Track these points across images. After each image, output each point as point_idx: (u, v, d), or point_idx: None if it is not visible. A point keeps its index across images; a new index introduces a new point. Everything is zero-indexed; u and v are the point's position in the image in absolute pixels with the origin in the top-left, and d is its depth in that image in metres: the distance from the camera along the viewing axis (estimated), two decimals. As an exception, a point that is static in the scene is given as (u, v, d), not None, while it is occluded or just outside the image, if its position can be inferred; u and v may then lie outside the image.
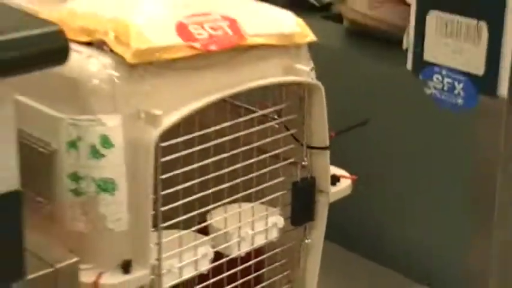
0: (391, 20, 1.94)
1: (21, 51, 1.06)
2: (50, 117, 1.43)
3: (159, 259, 1.49)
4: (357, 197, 1.71)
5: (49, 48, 1.07)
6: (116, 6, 1.52)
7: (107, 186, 1.41)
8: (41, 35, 1.07)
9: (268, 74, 1.56)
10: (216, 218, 1.61)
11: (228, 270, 1.64)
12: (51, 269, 1.33)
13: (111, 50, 1.42)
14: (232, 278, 1.64)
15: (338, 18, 2.11)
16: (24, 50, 1.06)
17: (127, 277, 1.43)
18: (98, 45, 1.44)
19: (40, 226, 1.42)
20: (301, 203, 1.66)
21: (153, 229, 1.50)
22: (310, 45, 1.91)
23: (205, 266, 1.57)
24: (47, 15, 1.53)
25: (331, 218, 1.72)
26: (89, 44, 1.45)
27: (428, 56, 1.81)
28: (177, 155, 1.46)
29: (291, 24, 1.61)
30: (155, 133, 1.38)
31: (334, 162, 1.71)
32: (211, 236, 1.61)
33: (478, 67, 1.73)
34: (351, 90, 1.99)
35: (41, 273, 1.31)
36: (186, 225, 1.56)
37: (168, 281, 1.52)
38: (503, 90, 1.71)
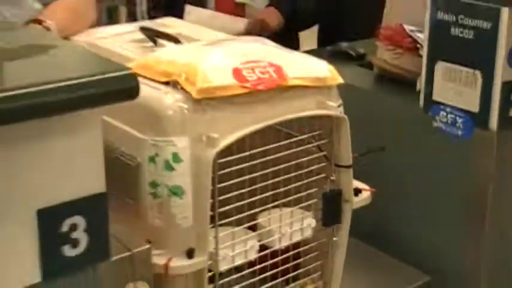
0: (408, 68, 1.97)
1: (102, 89, 1.15)
2: (137, 138, 1.52)
3: (216, 249, 1.54)
4: (375, 205, 1.76)
5: (124, 87, 1.18)
6: (190, 55, 1.59)
7: (176, 191, 1.49)
8: (118, 77, 1.17)
9: (305, 108, 1.61)
10: (262, 219, 1.65)
11: (271, 259, 1.67)
12: (129, 253, 1.41)
13: (182, 88, 1.49)
14: (274, 266, 1.68)
15: (369, 66, 2.15)
16: (104, 88, 1.16)
17: (190, 261, 1.50)
18: (173, 84, 1.51)
19: (128, 221, 1.53)
20: (330, 209, 1.70)
21: (212, 226, 1.54)
22: (342, 87, 2.00)
23: (252, 256, 1.61)
24: (137, 60, 1.65)
25: (354, 220, 1.75)
26: (167, 83, 1.53)
27: (436, 96, 1.85)
28: (230, 169, 1.52)
29: (323, 70, 1.65)
30: (213, 152, 1.45)
31: (357, 177, 1.75)
32: (258, 232, 1.65)
33: (474, 106, 1.78)
34: (375, 121, 2.02)
35: (121, 256, 1.40)
36: (238, 223, 1.60)
37: (223, 266, 1.56)
38: (493, 124, 1.76)
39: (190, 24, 2.13)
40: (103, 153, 1.25)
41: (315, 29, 3.26)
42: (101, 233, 1.27)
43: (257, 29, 2.89)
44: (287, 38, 2.85)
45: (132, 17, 2.96)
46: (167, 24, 2.01)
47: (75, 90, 1.13)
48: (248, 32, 2.81)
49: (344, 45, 2.34)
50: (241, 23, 2.94)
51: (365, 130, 1.95)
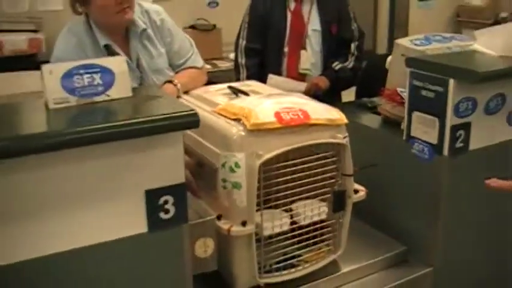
0: (399, 114, 1.97)
1: (180, 120, 1.28)
2: (214, 151, 1.61)
3: (261, 221, 1.59)
4: (371, 199, 1.79)
5: (191, 120, 1.28)
6: (251, 103, 1.65)
7: (236, 185, 1.56)
8: (188, 115, 1.28)
9: (321, 138, 1.65)
10: (293, 205, 1.68)
11: (299, 230, 1.70)
12: (201, 220, 1.47)
13: (243, 123, 1.56)
14: (301, 235, 1.70)
15: (379, 113, 2.15)
16: (181, 119, 1.28)
17: (243, 228, 1.57)
18: (238, 120, 1.59)
19: (211, 202, 1.63)
20: (338, 202, 1.72)
21: (258, 208, 1.59)
22: (359, 126, 2.04)
23: (285, 228, 1.65)
24: (221, 105, 1.71)
25: (359, 208, 1.79)
26: (235, 119, 1.60)
27: (412, 133, 1.87)
28: (271, 173, 1.57)
29: (335, 114, 1.67)
30: (259, 162, 1.53)
31: (359, 182, 1.79)
32: (291, 213, 1.67)
33: (434, 140, 1.80)
34: (378, 147, 2.04)
35: (196, 221, 1.46)
36: (277, 207, 1.66)
37: (266, 232, 1.61)
38: (445, 152, 1.79)
39: (263, 84, 2.18)
40: (184, 159, 1.36)
41: (353, 89, 3.30)
42: (182, 206, 1.38)
43: (312, 90, 2.92)
44: (333, 95, 2.94)
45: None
46: (248, 84, 2.08)
47: (168, 120, 1.29)
48: (307, 91, 2.85)
49: (365, 99, 2.35)
50: (302, 86, 2.97)
51: (372, 152, 2.00)
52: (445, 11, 5.84)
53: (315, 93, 2.76)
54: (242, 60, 3.06)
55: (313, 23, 3.03)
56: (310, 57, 3.03)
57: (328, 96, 2.73)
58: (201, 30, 4.67)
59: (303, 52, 3.02)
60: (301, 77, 3.03)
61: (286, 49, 3.03)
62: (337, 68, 3.05)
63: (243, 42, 3.07)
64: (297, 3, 3.05)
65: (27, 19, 4.03)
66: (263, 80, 2.85)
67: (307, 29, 3.03)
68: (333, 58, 3.07)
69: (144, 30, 2.11)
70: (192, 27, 4.65)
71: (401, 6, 5.69)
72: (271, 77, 2.97)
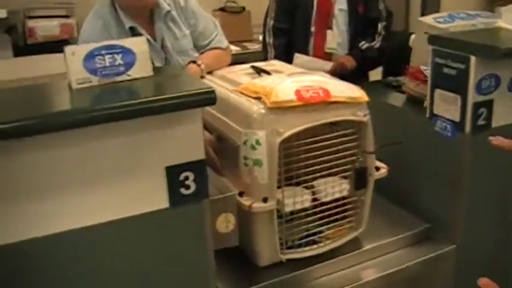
0: (422, 92, 1.97)
1: (199, 97, 1.30)
2: (236, 129, 1.64)
3: (282, 197, 1.61)
4: (390, 176, 1.79)
5: (206, 97, 1.30)
6: (272, 82, 1.66)
7: (257, 162, 1.58)
8: (207, 91, 1.31)
9: (342, 115, 1.66)
10: (315, 182, 1.70)
11: (321, 207, 1.72)
12: (222, 196, 1.50)
13: (263, 101, 1.59)
14: (322, 211, 1.72)
15: (403, 92, 2.15)
16: (200, 96, 1.30)
17: (265, 204, 1.59)
18: (259, 98, 1.61)
19: (233, 179, 1.67)
20: (359, 179, 1.73)
21: (279, 185, 1.61)
22: (385, 104, 2.04)
23: (307, 204, 1.67)
24: (243, 84, 1.74)
25: (381, 184, 1.80)
26: (256, 98, 1.62)
27: (435, 111, 1.87)
28: (292, 150, 1.58)
29: (356, 92, 1.68)
30: (279, 139, 1.55)
31: (378, 159, 1.79)
32: (312, 190, 1.69)
33: (456, 117, 1.79)
34: (403, 125, 2.05)
35: (216, 197, 1.49)
36: (298, 184, 1.67)
37: (287, 208, 1.63)
38: (468, 129, 1.79)
39: (286, 64, 2.19)
40: (205, 136, 1.39)
41: (379, 69, 3.27)
42: (203, 182, 1.40)
43: (338, 69, 2.92)
44: (359, 74, 2.91)
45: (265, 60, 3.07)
46: (271, 63, 2.11)
47: (186, 97, 1.32)
48: (332, 70, 2.85)
49: (390, 78, 2.35)
50: (328, 65, 2.96)
51: (395, 130, 2.02)
52: (478, -10, 5.75)
53: (340, 73, 2.75)
54: (270, 40, 3.08)
55: (340, 2, 3.02)
56: (336, 37, 3.03)
57: (354, 76, 2.71)
58: (230, 13, 4.69)
59: (329, 32, 3.02)
60: (328, 57, 3.04)
61: (313, 29, 3.04)
62: (363, 47, 3.04)
63: (270, 22, 3.09)
64: None
65: (58, 5, 4.09)
66: (290, 60, 2.91)
67: (334, 8, 3.03)
68: (359, 38, 3.06)
69: (168, 12, 2.14)
70: (221, 9, 4.67)
71: (433, -15, 5.62)
72: (297, 56, 2.98)
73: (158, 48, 2.12)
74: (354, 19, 3.04)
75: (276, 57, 2.91)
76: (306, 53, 3.04)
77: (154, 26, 2.13)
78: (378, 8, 3.09)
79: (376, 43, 3.07)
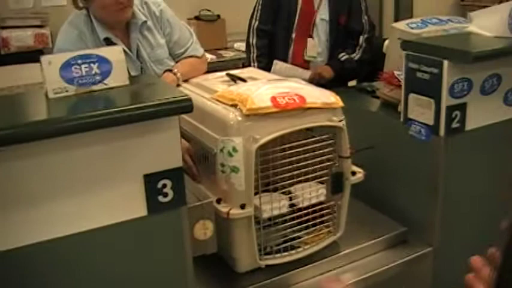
0: (396, 97, 2.00)
1: (175, 105, 1.31)
2: (213, 137, 1.64)
3: (260, 204, 1.62)
4: (367, 181, 1.81)
5: (182, 105, 1.31)
6: (247, 89, 1.67)
7: (234, 169, 1.58)
8: (183, 100, 1.32)
9: (317, 121, 1.67)
10: (292, 187, 1.70)
11: (298, 212, 1.72)
12: (199, 203, 1.51)
13: (239, 108, 1.59)
14: (300, 217, 1.73)
15: (377, 97, 2.19)
16: (176, 105, 1.31)
17: (242, 211, 1.59)
18: (235, 105, 1.62)
19: (210, 186, 1.67)
20: (336, 184, 1.75)
21: (256, 191, 1.61)
22: (359, 109, 2.06)
23: (285, 209, 1.68)
24: (218, 92, 1.74)
25: (358, 188, 1.81)
26: (232, 105, 1.63)
27: (409, 115, 1.89)
28: (268, 157, 1.60)
29: (331, 98, 1.70)
30: (256, 146, 1.56)
31: (357, 164, 1.81)
32: (289, 195, 1.70)
33: (430, 121, 1.82)
34: (377, 129, 2.07)
35: (194, 204, 1.49)
36: (275, 190, 1.67)
37: (265, 215, 1.63)
38: (441, 132, 1.81)
39: (261, 71, 2.21)
40: (182, 143, 1.39)
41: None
42: (181, 190, 1.41)
43: (316, 78, 2.96)
44: (338, 84, 2.91)
45: (248, 61, 3.13)
46: (246, 71, 2.12)
47: (162, 105, 1.33)
48: (310, 79, 2.88)
49: (364, 84, 2.38)
50: (306, 74, 3.01)
51: (371, 135, 2.05)
52: (450, -5, 5.84)
53: (318, 82, 2.78)
54: (253, 41, 3.13)
55: (322, 12, 3.08)
56: (316, 46, 3.07)
57: (332, 85, 2.74)
58: (206, 21, 4.70)
59: (309, 40, 3.07)
60: (306, 64, 3.09)
61: (293, 35, 3.09)
62: (342, 58, 3.09)
63: (255, 23, 3.14)
64: None
65: (32, 15, 4.08)
66: (272, 59, 3.00)
67: (316, 17, 3.07)
68: (340, 48, 3.11)
69: (145, 22, 2.15)
70: (197, 18, 4.69)
71: (405, -9, 5.70)
72: (277, 63, 3.03)
73: (134, 58, 2.13)
74: (335, 30, 3.09)
75: (259, 58, 3.03)
76: (286, 59, 3.09)
77: (130, 36, 2.14)
78: (360, 20, 3.14)
79: (356, 55, 3.11)
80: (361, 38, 3.13)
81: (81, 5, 2.08)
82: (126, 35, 2.13)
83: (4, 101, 1.45)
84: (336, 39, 3.10)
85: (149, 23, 2.17)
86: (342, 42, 3.12)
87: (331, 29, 3.08)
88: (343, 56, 3.09)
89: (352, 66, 3.09)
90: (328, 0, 3.07)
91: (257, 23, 3.13)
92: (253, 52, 3.11)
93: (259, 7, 3.14)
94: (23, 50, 3.94)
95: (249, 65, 3.08)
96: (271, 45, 3.13)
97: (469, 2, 5.66)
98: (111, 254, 1.37)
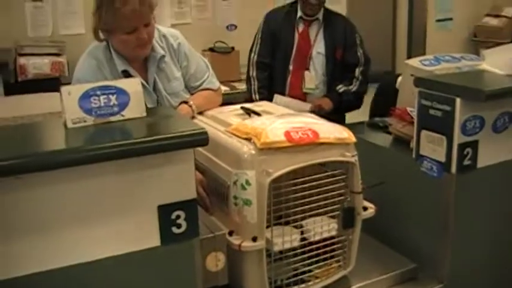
0: (409, 133, 2.01)
1: (191, 138, 1.34)
2: (226, 169, 1.66)
3: (271, 237, 1.62)
4: (381, 215, 1.81)
5: (198, 139, 1.34)
6: (262, 123, 1.69)
7: (247, 202, 1.60)
8: (199, 133, 1.35)
9: (331, 155, 1.68)
10: (304, 221, 1.71)
11: (310, 246, 1.73)
12: (212, 235, 1.53)
13: (254, 142, 1.61)
14: (311, 251, 1.73)
15: (390, 133, 2.19)
16: (192, 137, 1.34)
17: (254, 244, 1.60)
18: (249, 139, 1.63)
19: (223, 219, 1.68)
20: (347, 218, 1.75)
21: (268, 224, 1.62)
22: (372, 145, 2.08)
23: (296, 243, 1.68)
24: (233, 125, 1.75)
25: (369, 224, 1.81)
26: (247, 139, 1.64)
27: (421, 151, 1.90)
28: (281, 190, 1.60)
29: (344, 133, 1.71)
30: (269, 180, 1.57)
31: (366, 199, 1.81)
32: (301, 229, 1.70)
33: (442, 158, 1.82)
34: (387, 166, 2.07)
35: (207, 236, 1.52)
36: (287, 223, 1.66)
37: (276, 248, 1.63)
38: (453, 169, 1.81)
39: (273, 105, 2.25)
40: (197, 176, 1.43)
41: (367, 109, 3.38)
42: (194, 221, 1.43)
43: (316, 110, 3.02)
44: (336, 116, 2.98)
45: (249, 93, 3.22)
46: (260, 104, 2.14)
47: (178, 138, 1.35)
48: (311, 111, 2.90)
49: (377, 119, 2.39)
50: (306, 106, 3.11)
51: (383, 170, 2.05)
52: (462, 32, 5.87)
53: (318, 114, 2.81)
54: (253, 73, 3.25)
55: (319, 46, 3.21)
56: (313, 78, 3.20)
57: (332, 117, 2.78)
58: (220, 53, 4.74)
59: (306, 73, 3.20)
60: (304, 96, 3.22)
61: (291, 67, 3.21)
62: (340, 90, 3.22)
63: (254, 57, 3.28)
64: (305, 25, 3.25)
65: (50, 43, 4.14)
66: (272, 91, 3.11)
67: (312, 51, 3.21)
68: (337, 81, 3.23)
69: (163, 56, 2.17)
70: (211, 49, 4.73)
71: (419, 27, 5.74)
72: (277, 97, 3.15)
73: (150, 91, 2.15)
74: (332, 63, 3.22)
75: (260, 89, 3.14)
76: (283, 91, 3.21)
77: (148, 69, 2.16)
78: (356, 54, 3.27)
79: (353, 87, 3.24)
80: (357, 71, 3.26)
81: (102, 37, 2.11)
82: (143, 68, 2.16)
83: (24, 129, 1.48)
84: (332, 72, 3.23)
85: (167, 56, 2.20)
86: (339, 75, 3.24)
87: (328, 62, 3.21)
88: (340, 88, 3.22)
89: (350, 98, 3.23)
90: (324, 35, 3.20)
91: (256, 56, 3.27)
92: (254, 84, 3.23)
93: (259, 41, 3.26)
94: (40, 78, 3.98)
95: (251, 97, 3.18)
96: (271, 76, 3.24)
97: (482, 38, 5.69)
98: (123, 283, 1.38)
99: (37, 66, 4.04)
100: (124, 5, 1.95)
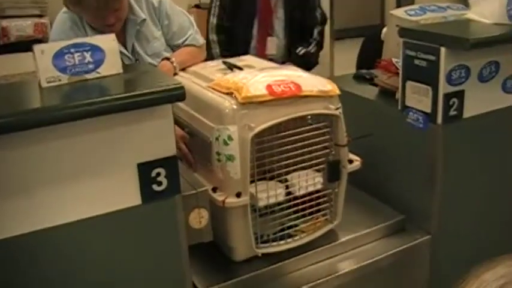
0: (394, 84, 1.99)
1: (169, 93, 1.32)
2: (209, 125, 1.64)
3: (256, 192, 1.61)
4: (365, 169, 1.80)
5: (175, 94, 1.31)
6: (243, 77, 1.66)
7: (230, 158, 1.58)
8: (172, 88, 1.33)
9: (313, 109, 1.67)
10: (289, 176, 1.70)
11: (295, 200, 1.72)
12: (194, 191, 1.51)
13: (235, 97, 1.59)
14: (297, 205, 1.72)
15: (376, 84, 2.17)
16: (169, 93, 1.32)
17: (238, 199, 1.60)
18: (230, 94, 1.61)
19: (206, 175, 1.68)
20: (333, 172, 1.74)
21: (252, 179, 1.61)
22: (357, 97, 2.07)
23: (281, 198, 1.68)
24: (215, 80, 1.74)
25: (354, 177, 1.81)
26: (228, 93, 1.62)
27: (407, 102, 1.89)
28: (264, 145, 1.59)
29: (328, 86, 1.69)
30: (251, 134, 1.55)
31: (352, 152, 1.80)
32: (285, 184, 1.69)
33: (428, 108, 1.81)
34: (375, 117, 2.06)
35: (189, 192, 1.50)
36: (272, 178, 1.66)
37: (261, 203, 1.63)
38: (439, 120, 1.80)
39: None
40: (174, 131, 1.40)
41: (353, 62, 3.35)
42: (175, 178, 1.42)
43: None
44: None
45: (210, 57, 3.12)
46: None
47: (155, 94, 1.33)
48: None
49: (362, 71, 2.36)
50: None
51: (368, 122, 2.05)
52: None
53: None
54: (213, 37, 3.17)
55: (278, 11, 3.15)
56: (275, 43, 3.17)
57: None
58: (206, 9, 4.67)
59: (269, 38, 3.17)
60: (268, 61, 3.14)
61: (254, 32, 3.16)
62: (301, 53, 3.19)
63: (214, 20, 3.19)
64: None
65: (32, 4, 4.08)
66: (234, 56, 2.96)
67: (273, 16, 3.16)
68: (295, 43, 3.20)
69: (144, 20, 2.13)
70: (197, 6, 4.67)
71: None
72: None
73: (128, 55, 2.12)
74: (291, 26, 3.17)
75: (222, 53, 3.06)
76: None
77: (126, 33, 2.12)
78: (314, 15, 3.25)
79: (312, 48, 3.23)
80: (315, 31, 3.24)
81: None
82: (121, 31, 2.12)
83: (-2, 90, 1.45)
84: (291, 35, 3.19)
85: (147, 19, 2.15)
86: (297, 37, 3.21)
87: (287, 26, 3.17)
88: (301, 51, 3.20)
89: (310, 59, 3.22)
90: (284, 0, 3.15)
91: (216, 19, 3.18)
92: (215, 48, 3.16)
93: (218, 2, 3.17)
94: (23, 40, 3.94)
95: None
96: (231, 40, 3.17)
97: (472, -11, 5.62)
98: (105, 243, 1.37)
99: (19, 28, 4.01)
100: None
